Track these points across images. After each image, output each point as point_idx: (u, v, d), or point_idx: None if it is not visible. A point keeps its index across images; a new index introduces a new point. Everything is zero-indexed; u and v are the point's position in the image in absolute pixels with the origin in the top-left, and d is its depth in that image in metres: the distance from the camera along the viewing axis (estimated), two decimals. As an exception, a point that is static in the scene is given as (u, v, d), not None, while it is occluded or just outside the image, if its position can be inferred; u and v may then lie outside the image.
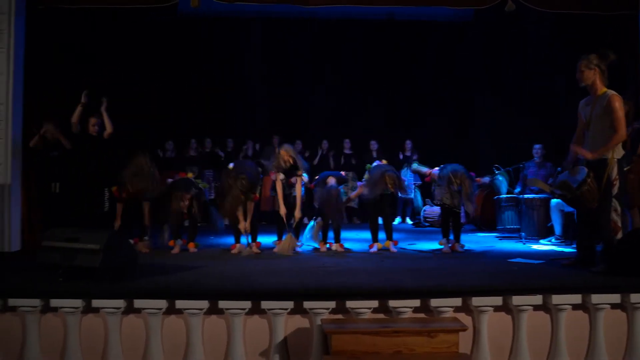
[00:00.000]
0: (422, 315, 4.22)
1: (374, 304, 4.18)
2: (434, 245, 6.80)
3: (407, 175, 9.91)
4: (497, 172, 7.03)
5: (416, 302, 4.20)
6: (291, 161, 6.44)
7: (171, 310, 4.16)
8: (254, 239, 6.36)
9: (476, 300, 4.22)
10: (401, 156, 10.26)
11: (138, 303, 4.13)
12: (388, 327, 3.88)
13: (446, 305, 4.20)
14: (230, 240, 6.60)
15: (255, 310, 4.16)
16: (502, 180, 6.98)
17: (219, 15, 10.04)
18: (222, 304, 4.13)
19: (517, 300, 4.23)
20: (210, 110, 10.77)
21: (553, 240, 7.07)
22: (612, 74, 4.95)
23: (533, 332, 4.29)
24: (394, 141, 10.47)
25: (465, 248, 6.58)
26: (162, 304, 4.13)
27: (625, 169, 5.47)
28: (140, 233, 6.51)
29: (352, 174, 9.83)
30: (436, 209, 9.18)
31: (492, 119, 10.45)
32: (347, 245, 6.70)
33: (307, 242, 6.70)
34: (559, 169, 7.05)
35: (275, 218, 6.86)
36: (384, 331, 3.81)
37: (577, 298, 4.26)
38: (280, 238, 6.58)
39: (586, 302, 4.27)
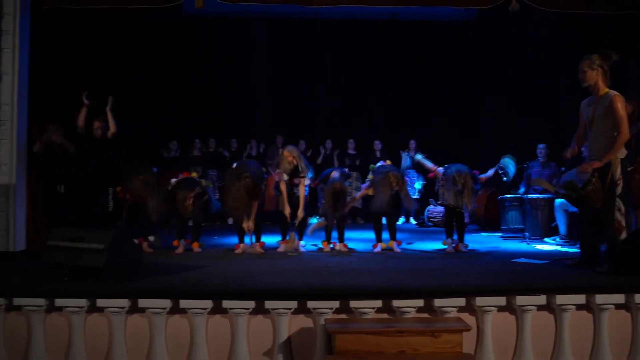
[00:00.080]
0: (425, 315, 4.22)
1: (378, 303, 4.18)
2: (437, 245, 6.79)
3: (410, 176, 9.89)
4: (503, 157, 6.98)
5: (420, 302, 4.19)
6: (295, 162, 6.45)
7: (175, 310, 4.17)
8: (257, 239, 6.37)
9: (480, 300, 4.22)
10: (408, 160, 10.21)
11: (142, 302, 4.14)
12: (392, 327, 3.88)
13: (450, 305, 4.20)
14: (234, 240, 6.62)
15: (259, 310, 4.17)
16: (509, 162, 6.94)
17: (221, 15, 10.05)
18: (226, 303, 4.14)
19: (521, 300, 4.23)
20: (214, 111, 10.79)
21: (557, 240, 7.06)
22: (615, 74, 4.94)
23: (537, 332, 4.28)
24: (397, 141, 10.47)
25: (469, 248, 6.57)
26: (167, 303, 4.14)
27: (629, 169, 5.47)
28: (144, 233, 6.53)
29: (356, 174, 9.83)
30: (440, 209, 9.17)
31: (495, 119, 10.44)
32: (350, 245, 6.70)
33: (307, 236, 6.70)
34: (562, 168, 7.05)
35: (279, 218, 6.87)
36: (387, 331, 3.81)
37: (581, 298, 4.25)
38: (284, 238, 6.59)
39: (590, 302, 4.26)
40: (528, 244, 7.07)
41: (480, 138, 10.56)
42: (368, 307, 4.16)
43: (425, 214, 9.83)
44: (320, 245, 6.65)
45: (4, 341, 4.18)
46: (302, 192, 6.50)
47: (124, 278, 4.30)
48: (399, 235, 6.73)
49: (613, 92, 4.80)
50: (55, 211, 6.58)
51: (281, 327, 4.17)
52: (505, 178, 7.87)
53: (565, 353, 4.25)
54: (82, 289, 4.16)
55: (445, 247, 6.50)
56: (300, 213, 6.48)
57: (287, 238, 6.52)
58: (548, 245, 6.94)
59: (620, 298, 4.25)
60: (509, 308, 4.29)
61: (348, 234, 6.93)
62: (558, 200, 6.98)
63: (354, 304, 4.15)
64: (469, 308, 4.26)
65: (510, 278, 4.62)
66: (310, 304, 4.14)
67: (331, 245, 6.55)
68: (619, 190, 4.86)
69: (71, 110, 6.69)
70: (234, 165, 6.55)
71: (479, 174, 6.56)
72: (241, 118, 11.04)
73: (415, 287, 4.28)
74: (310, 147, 10.46)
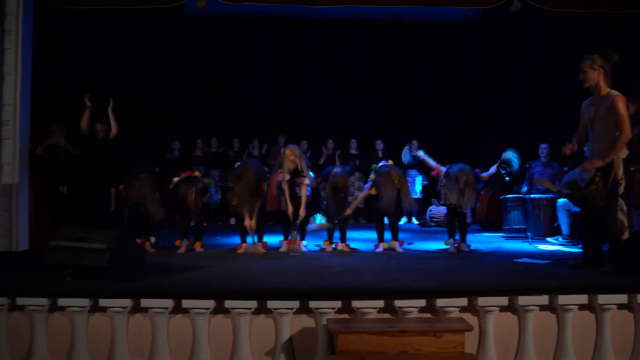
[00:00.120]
0: (428, 315, 4.22)
1: (380, 303, 4.18)
2: (440, 245, 6.79)
3: (412, 176, 9.88)
4: (506, 151, 6.95)
5: (422, 302, 4.20)
6: (297, 161, 6.46)
7: (177, 310, 4.18)
8: (260, 239, 6.38)
9: (482, 301, 4.22)
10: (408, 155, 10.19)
11: (145, 302, 4.15)
12: (394, 327, 3.89)
13: (452, 305, 4.20)
14: (236, 240, 6.62)
15: (261, 309, 4.17)
16: (512, 155, 6.92)
17: (223, 15, 10.06)
18: (228, 303, 4.14)
19: (523, 300, 4.22)
20: (216, 111, 10.79)
21: (560, 240, 7.04)
22: (617, 74, 4.93)
23: (539, 332, 4.28)
24: (399, 141, 10.46)
25: (472, 248, 6.56)
26: (169, 303, 4.15)
27: (632, 169, 5.47)
28: (146, 233, 6.54)
29: (359, 174, 9.82)
30: (442, 209, 9.16)
31: (496, 119, 10.43)
32: (352, 245, 6.70)
33: (310, 229, 6.72)
34: (565, 168, 7.04)
35: (281, 218, 6.87)
36: (389, 331, 3.82)
37: (583, 298, 4.25)
38: (286, 238, 6.59)
39: (593, 302, 4.26)
40: (530, 244, 7.06)
41: (482, 138, 10.55)
42: (370, 307, 4.16)
43: (428, 214, 9.82)
44: (322, 245, 6.65)
45: (7, 341, 4.19)
46: (304, 191, 6.51)
47: (126, 278, 4.31)
48: (401, 235, 6.72)
49: (614, 92, 4.80)
50: (58, 211, 6.60)
51: (283, 327, 4.17)
52: (507, 178, 7.87)
53: (568, 353, 4.24)
54: (84, 289, 4.17)
55: (448, 247, 6.50)
56: (302, 212, 6.48)
57: (289, 238, 6.52)
58: (550, 245, 6.93)
59: (622, 298, 4.25)
60: (511, 308, 4.29)
61: (350, 234, 6.92)
62: (560, 200, 6.97)
63: (356, 303, 4.16)
64: (471, 308, 4.26)
65: (512, 278, 4.62)
66: (312, 304, 4.14)
67: (333, 245, 6.55)
68: (621, 190, 4.86)
69: (73, 110, 6.71)
70: (236, 165, 6.56)
71: (480, 173, 6.56)
72: (243, 118, 11.04)
73: (417, 287, 4.28)
74: (312, 147, 10.46)
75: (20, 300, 4.16)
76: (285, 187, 6.52)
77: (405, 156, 9.52)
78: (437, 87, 11.09)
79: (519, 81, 10.16)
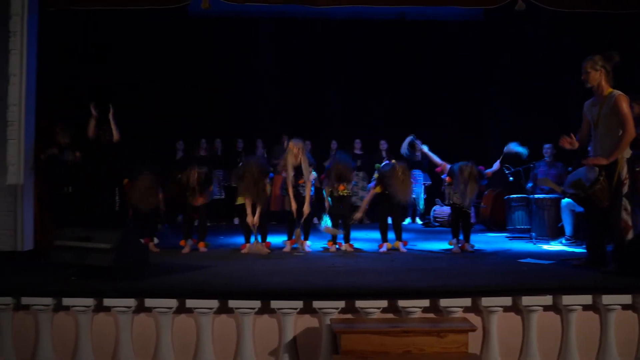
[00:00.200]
0: (431, 315, 4.22)
1: (383, 303, 4.18)
2: (443, 245, 6.78)
3: (416, 176, 9.86)
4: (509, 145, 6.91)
5: (425, 302, 4.20)
6: (299, 156, 6.45)
7: (181, 310, 4.19)
8: (263, 239, 6.39)
9: (486, 301, 4.21)
10: (419, 156, 10.15)
11: (149, 302, 4.16)
12: (397, 327, 3.88)
13: (456, 305, 4.19)
14: (240, 240, 6.64)
15: (265, 309, 4.18)
16: (514, 145, 6.87)
17: (225, 15, 10.07)
18: (232, 303, 4.15)
19: (527, 300, 4.22)
20: (220, 111, 10.81)
21: (563, 241, 7.03)
22: (620, 74, 4.92)
23: (543, 332, 4.27)
24: (401, 141, 10.43)
25: (475, 248, 6.56)
26: (173, 303, 4.16)
27: (637, 169, 5.46)
28: (150, 233, 6.56)
29: (363, 174, 9.83)
30: (446, 209, 9.15)
31: (499, 119, 10.39)
32: (356, 245, 6.70)
33: (323, 227, 6.72)
34: (569, 168, 7.02)
35: (285, 218, 6.88)
36: (393, 331, 3.81)
37: (587, 299, 4.24)
38: (290, 238, 6.61)
39: (597, 302, 4.25)
40: (534, 244, 7.05)
41: (484, 138, 10.53)
42: (374, 307, 4.16)
43: (431, 214, 9.81)
44: (326, 246, 6.65)
45: (12, 340, 4.21)
46: (308, 187, 6.52)
47: (130, 278, 4.33)
48: (404, 236, 6.72)
49: (617, 92, 4.80)
50: (62, 211, 6.63)
51: (287, 327, 4.18)
52: (511, 178, 7.86)
53: (572, 354, 4.23)
54: (89, 289, 4.19)
55: (451, 247, 6.49)
56: (307, 209, 6.48)
57: (293, 237, 6.53)
58: (554, 246, 6.92)
59: (627, 299, 4.23)
60: (514, 308, 4.28)
61: (354, 234, 6.94)
62: (564, 201, 6.96)
63: (359, 303, 4.16)
64: (475, 308, 4.26)
65: (516, 278, 4.61)
66: (316, 304, 4.14)
67: (337, 246, 6.56)
68: (625, 189, 4.86)
69: (76, 111, 6.75)
70: (240, 165, 6.58)
71: (484, 170, 6.55)
72: (246, 118, 11.05)
73: (421, 287, 4.28)
74: (316, 148, 10.45)
75: (25, 300, 4.18)
76: (288, 182, 6.53)
77: (404, 147, 9.44)
78: (440, 87, 11.08)
79: (523, 81, 10.14)
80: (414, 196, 9.97)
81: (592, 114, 4.98)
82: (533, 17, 8.27)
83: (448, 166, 6.72)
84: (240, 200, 6.37)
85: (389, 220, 6.64)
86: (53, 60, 6.89)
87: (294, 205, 6.51)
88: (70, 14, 6.85)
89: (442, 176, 6.77)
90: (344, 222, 6.61)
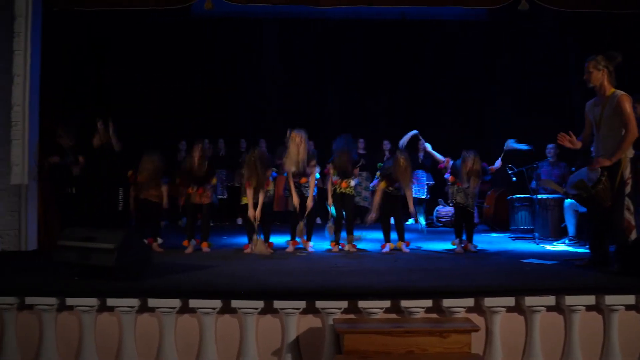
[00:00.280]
0: (434, 315, 4.22)
1: (386, 304, 4.18)
2: (446, 245, 6.78)
3: (419, 176, 9.85)
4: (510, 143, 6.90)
5: (428, 303, 4.19)
6: (300, 146, 6.43)
7: (184, 310, 4.20)
8: (266, 239, 6.39)
9: (489, 301, 4.21)
10: (421, 156, 10.14)
11: (152, 302, 4.17)
12: (400, 327, 3.88)
13: (458, 305, 4.19)
14: (243, 240, 6.64)
15: (268, 309, 4.18)
16: (513, 143, 6.87)
17: (226, 16, 10.07)
18: (235, 303, 4.16)
19: (530, 301, 4.21)
20: (223, 111, 10.83)
21: (567, 241, 7.01)
22: (620, 74, 4.91)
23: (546, 333, 4.27)
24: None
25: (478, 248, 6.56)
26: (176, 303, 4.17)
27: (640, 167, 5.45)
28: (154, 233, 6.57)
29: (366, 173, 9.82)
30: (449, 209, 9.16)
31: (501, 120, 10.38)
32: (359, 245, 6.70)
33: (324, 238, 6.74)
34: (572, 168, 7.01)
35: (288, 218, 6.88)
36: (396, 331, 3.81)
37: (590, 299, 4.23)
38: (293, 238, 6.61)
39: (600, 303, 4.24)
40: (537, 244, 7.04)
41: (486, 138, 10.52)
42: (376, 307, 4.16)
43: (434, 214, 9.80)
44: (329, 246, 6.65)
45: (16, 340, 4.23)
46: (312, 181, 6.53)
47: (133, 277, 4.34)
48: (407, 236, 6.72)
49: (620, 92, 4.79)
50: (66, 211, 6.65)
51: (290, 327, 4.18)
52: (514, 178, 7.85)
53: (575, 354, 4.22)
54: (92, 288, 4.20)
55: (454, 247, 6.49)
56: (310, 202, 6.48)
57: (298, 239, 6.54)
58: (557, 246, 6.91)
59: (630, 299, 4.23)
60: (517, 309, 4.28)
61: (357, 234, 6.91)
62: (568, 201, 6.95)
63: (362, 304, 4.16)
64: (478, 308, 4.26)
65: (519, 278, 4.61)
66: (319, 304, 4.15)
67: (340, 247, 6.56)
68: (628, 189, 4.85)
69: (79, 110, 6.77)
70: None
71: (487, 166, 6.55)
72: (250, 119, 11.06)
73: (423, 288, 4.28)
74: (319, 148, 10.43)
75: (29, 300, 4.19)
76: (290, 180, 6.53)
77: (404, 139, 9.39)
78: (439, 87, 11.08)
79: (519, 81, 10.13)
80: (422, 196, 9.94)
81: (594, 114, 4.97)
82: (536, 17, 8.26)
83: (451, 162, 6.71)
84: (244, 200, 6.38)
85: (392, 221, 6.64)
86: (56, 60, 6.91)
87: (295, 200, 6.51)
88: (73, 15, 6.87)
89: (446, 176, 6.76)
90: (347, 222, 6.61)
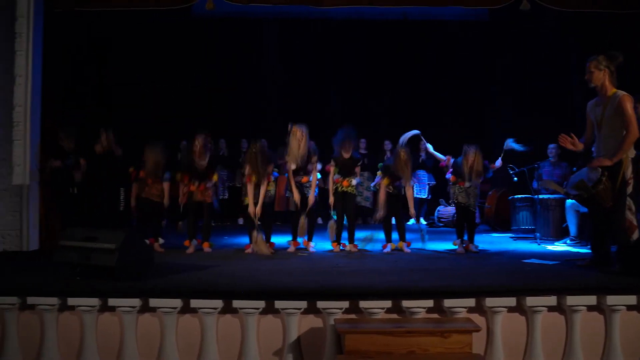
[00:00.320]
0: (435, 315, 4.22)
1: (387, 304, 4.18)
2: (448, 245, 6.78)
3: (420, 176, 9.85)
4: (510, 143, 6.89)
5: (429, 303, 4.19)
6: (301, 140, 6.41)
7: (186, 310, 4.20)
8: (267, 239, 6.39)
9: (490, 301, 4.21)
10: (423, 156, 10.13)
11: (153, 302, 4.17)
12: (401, 327, 3.89)
13: (460, 305, 4.19)
14: (244, 240, 6.65)
15: (269, 309, 4.18)
16: (512, 143, 6.86)
17: (227, 16, 10.08)
18: (236, 303, 4.16)
19: (531, 301, 4.21)
20: (224, 111, 10.82)
21: (568, 241, 7.01)
22: (621, 74, 4.91)
23: (547, 333, 4.26)
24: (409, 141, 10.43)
25: (480, 248, 6.55)
26: (177, 303, 4.17)
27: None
28: (155, 233, 6.58)
29: (367, 173, 9.81)
30: (450, 210, 9.15)
31: (503, 120, 10.36)
32: (360, 246, 6.70)
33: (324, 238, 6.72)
34: (574, 169, 7.00)
35: (289, 218, 6.88)
36: (397, 331, 3.82)
37: (592, 299, 4.23)
38: (294, 238, 6.61)
39: (601, 303, 4.23)
40: (539, 244, 7.03)
41: (486, 138, 10.48)
42: (378, 307, 4.16)
43: (436, 214, 9.80)
44: (331, 246, 6.65)
45: (17, 340, 4.23)
46: (314, 179, 6.52)
47: (134, 278, 4.35)
48: (408, 236, 6.72)
49: (621, 92, 4.79)
50: (67, 211, 6.66)
51: (291, 327, 4.19)
52: (516, 178, 7.84)
53: (576, 354, 4.22)
54: (93, 289, 4.21)
55: (456, 247, 6.49)
56: (312, 198, 6.47)
57: (299, 240, 6.54)
58: (559, 246, 6.90)
59: (631, 299, 4.22)
60: (519, 309, 4.27)
61: (358, 234, 6.93)
62: (569, 201, 6.94)
63: (363, 304, 4.16)
64: (479, 309, 4.25)
65: (520, 278, 4.61)
66: (320, 304, 4.15)
67: (341, 247, 6.56)
68: (629, 189, 4.85)
69: (80, 111, 6.78)
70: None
71: (488, 164, 6.55)
72: (250, 119, 11.06)
73: (425, 288, 4.28)
74: (320, 147, 10.43)
75: (31, 300, 4.20)
76: (291, 178, 6.53)
77: (404, 137, 9.37)
78: (440, 87, 11.08)
79: (520, 81, 10.13)
80: (424, 196, 9.93)
81: (595, 114, 4.97)
82: (537, 17, 8.26)
83: (452, 160, 6.71)
84: (245, 201, 6.38)
85: (393, 221, 6.64)
86: (57, 61, 6.92)
87: (296, 196, 6.50)
88: (75, 15, 6.88)
89: (447, 175, 6.76)
90: (349, 221, 6.61)
